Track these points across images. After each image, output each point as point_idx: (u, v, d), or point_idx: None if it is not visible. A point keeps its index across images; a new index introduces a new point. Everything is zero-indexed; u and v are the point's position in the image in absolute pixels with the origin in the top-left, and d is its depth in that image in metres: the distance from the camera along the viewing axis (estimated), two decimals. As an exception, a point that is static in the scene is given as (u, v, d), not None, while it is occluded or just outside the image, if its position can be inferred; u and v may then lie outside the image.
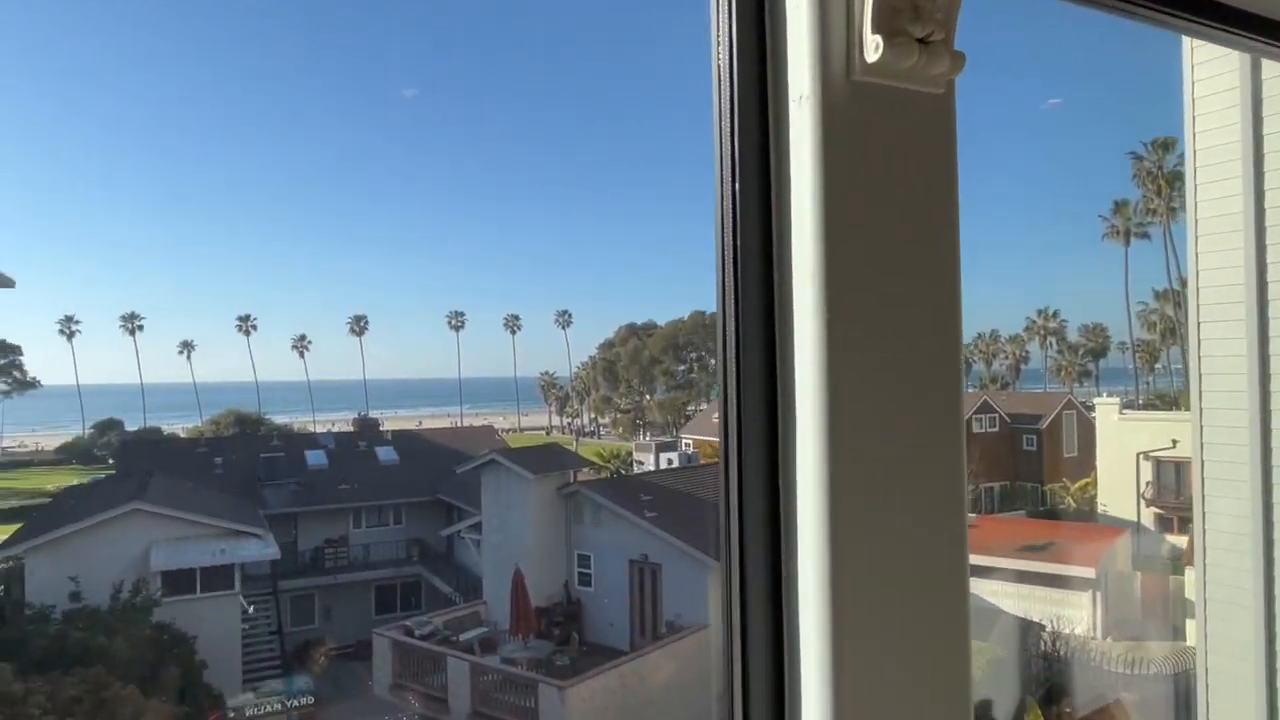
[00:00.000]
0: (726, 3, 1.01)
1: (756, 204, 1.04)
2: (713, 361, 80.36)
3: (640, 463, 33.08)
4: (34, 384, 72.19)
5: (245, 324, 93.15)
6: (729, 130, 1.04)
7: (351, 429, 37.94)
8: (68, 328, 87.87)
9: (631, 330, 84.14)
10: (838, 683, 1.00)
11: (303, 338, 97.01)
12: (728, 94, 1.04)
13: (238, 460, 29.92)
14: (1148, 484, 28.12)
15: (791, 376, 1.02)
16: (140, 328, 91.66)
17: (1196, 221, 7.27)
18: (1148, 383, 60.80)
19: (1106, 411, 31.10)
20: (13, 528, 27.13)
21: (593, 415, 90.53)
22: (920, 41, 0.96)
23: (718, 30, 1.04)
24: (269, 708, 17.86)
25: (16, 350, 69.24)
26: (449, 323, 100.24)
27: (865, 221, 1.02)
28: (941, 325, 1.04)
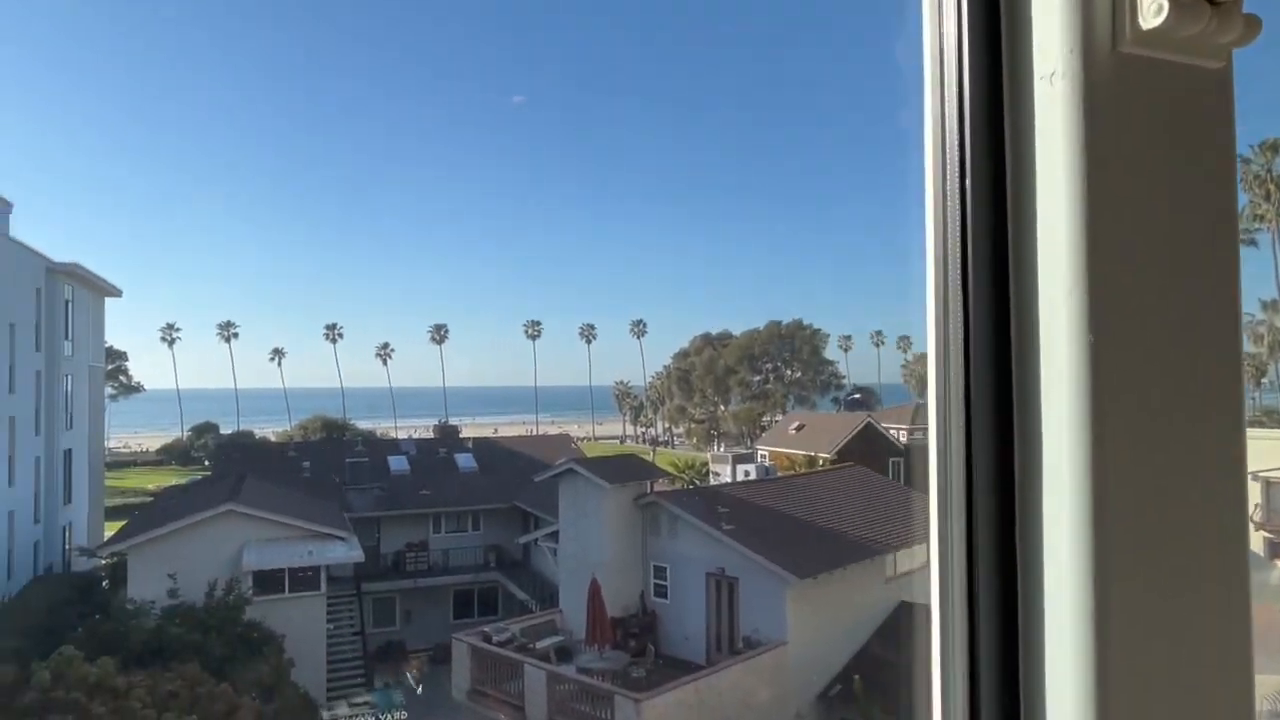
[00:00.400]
0: None
1: (988, 205, 0.88)
2: (789, 372, 79.56)
3: (716, 474, 32.76)
4: (138, 388, 76.26)
5: (332, 332, 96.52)
6: (954, 120, 0.89)
7: (432, 435, 38.72)
8: (169, 335, 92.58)
9: (706, 340, 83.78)
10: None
11: (386, 345, 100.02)
12: (954, 75, 0.88)
13: (325, 464, 30.84)
14: (1256, 506, 26.47)
15: (1035, 401, 0.86)
16: (235, 335, 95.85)
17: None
18: (1254, 399, 57.27)
19: None
20: (117, 525, 28.57)
21: (667, 425, 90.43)
22: (1211, 2, 0.78)
23: (934, 6, 0.89)
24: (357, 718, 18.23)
25: (123, 356, 73.25)
26: (526, 331, 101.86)
27: (1134, 220, 0.85)
28: (1221, 339, 0.86)
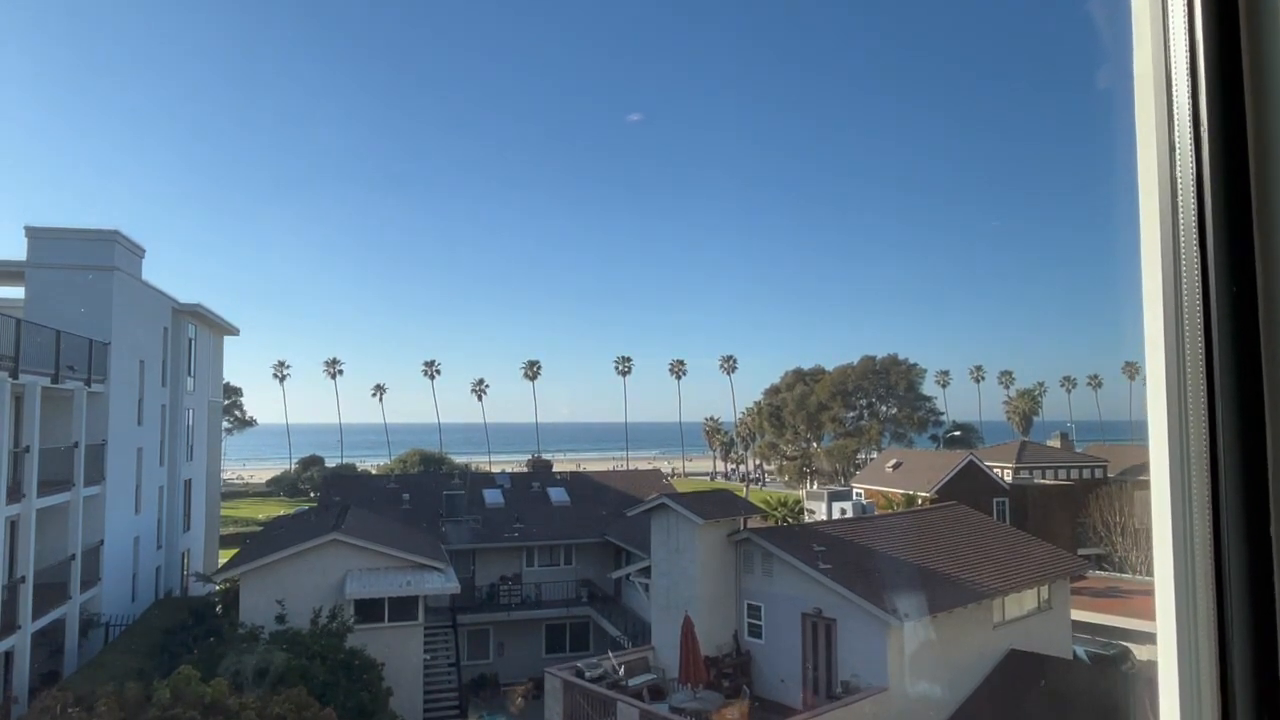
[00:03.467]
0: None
1: (1226, 238, 0.79)
2: (884, 408, 77.48)
3: (811, 512, 32.03)
4: (251, 422, 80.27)
5: (430, 369, 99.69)
6: (1187, 147, 0.79)
7: (525, 469, 39.29)
8: (280, 371, 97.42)
9: (799, 375, 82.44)
10: None
11: (480, 381, 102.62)
12: (1185, 95, 0.79)
13: (422, 496, 31.62)
14: None
15: None
16: (341, 372, 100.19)
17: None
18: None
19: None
20: (230, 552, 29.92)
21: (758, 461, 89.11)
22: None
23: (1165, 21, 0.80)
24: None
25: (239, 392, 77.34)
26: (617, 368, 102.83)
27: None
28: None
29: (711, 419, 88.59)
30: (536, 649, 27.57)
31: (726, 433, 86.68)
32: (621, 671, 19.02)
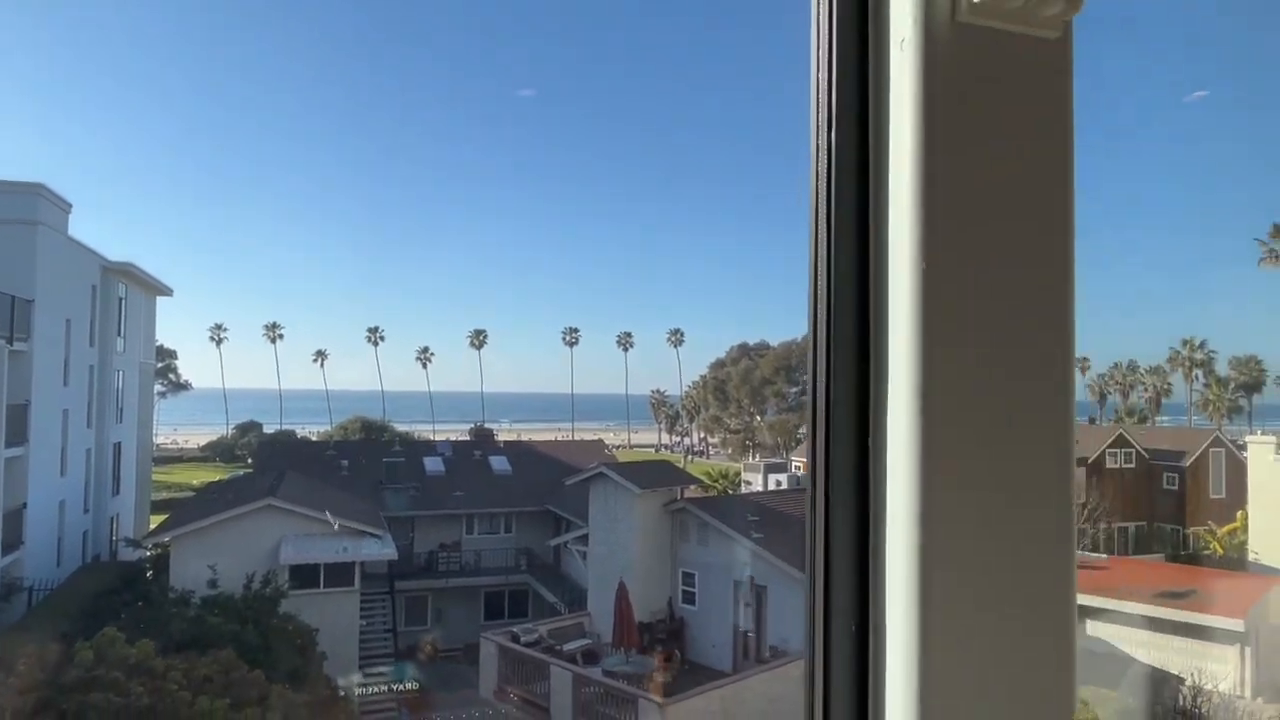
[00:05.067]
0: None
1: (853, 165, 0.96)
2: (826, 384, 78.40)
3: (748, 483, 32.66)
4: (186, 386, 78.22)
5: (374, 335, 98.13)
6: (826, 81, 0.97)
7: (468, 438, 39.20)
8: (217, 335, 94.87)
9: (744, 350, 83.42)
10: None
11: (426, 349, 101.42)
12: (825, 41, 0.97)
13: (362, 463, 31.39)
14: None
15: (885, 373, 0.94)
16: (281, 337, 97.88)
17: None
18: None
19: (1261, 451, 28.57)
20: (163, 518, 29.34)
21: (702, 434, 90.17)
22: None
23: None
24: (374, 688, 18.80)
25: (173, 355, 75.25)
26: (564, 339, 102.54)
27: (968, 183, 0.92)
28: (1052, 319, 0.90)
29: (658, 392, 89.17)
30: (475, 615, 27.74)
31: (672, 406, 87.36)
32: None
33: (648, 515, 19.56)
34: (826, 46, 0.97)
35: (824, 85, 0.97)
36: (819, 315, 0.98)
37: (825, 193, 0.97)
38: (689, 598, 19.61)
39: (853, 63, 0.96)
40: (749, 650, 18.15)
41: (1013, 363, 0.93)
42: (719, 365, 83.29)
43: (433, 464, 31.23)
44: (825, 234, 0.97)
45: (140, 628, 16.30)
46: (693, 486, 22.87)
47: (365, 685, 18.94)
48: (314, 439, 56.08)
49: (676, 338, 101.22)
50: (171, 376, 74.01)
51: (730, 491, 31.02)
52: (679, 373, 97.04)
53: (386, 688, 21.57)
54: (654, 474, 21.06)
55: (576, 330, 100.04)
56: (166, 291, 34.33)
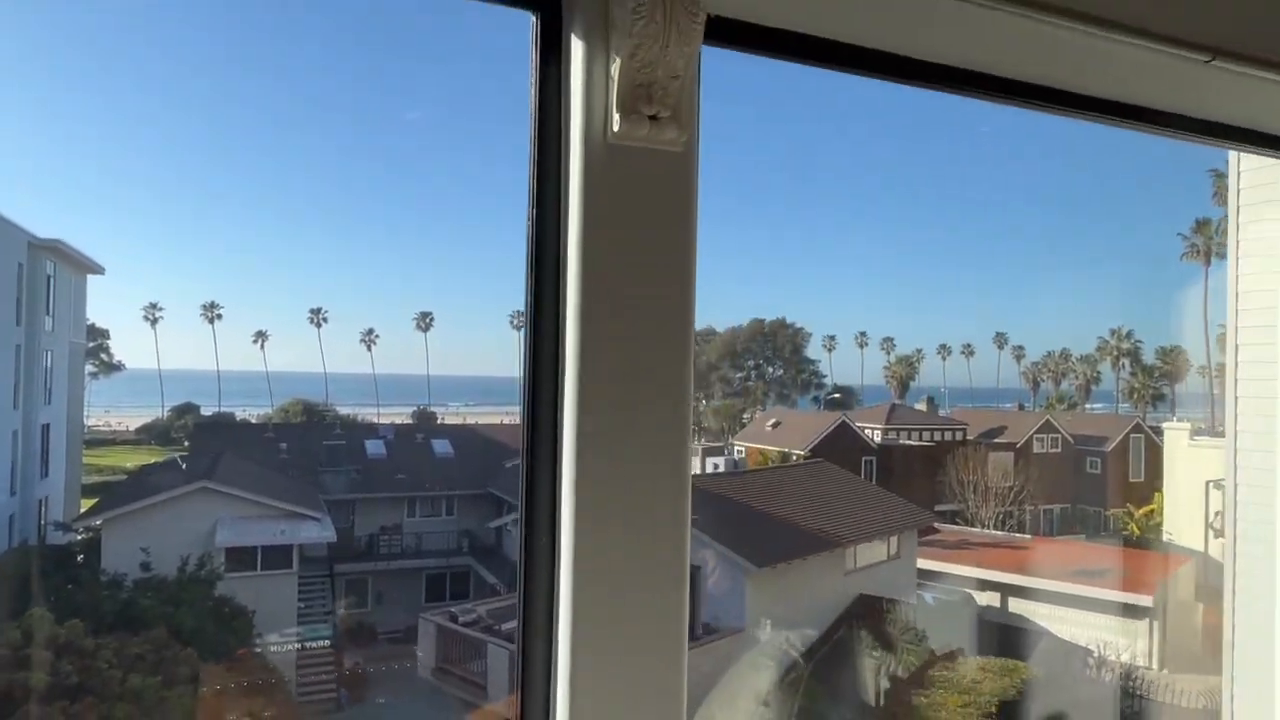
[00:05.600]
0: (536, 77, 1.36)
1: (553, 233, 1.38)
2: (770, 370, 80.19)
3: (687, 466, 32.99)
4: (119, 366, 75.92)
5: (317, 316, 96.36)
6: (534, 171, 1.38)
7: (411, 421, 39.02)
8: (152, 314, 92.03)
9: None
10: (573, 680, 1.37)
11: (370, 331, 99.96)
12: (534, 140, 1.37)
13: (302, 446, 31.08)
14: (1217, 514, 27.11)
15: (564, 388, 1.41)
16: (219, 316, 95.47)
17: (1238, 244, 7.24)
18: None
19: (1177, 437, 30.06)
20: (94, 501, 28.70)
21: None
22: (651, 118, 1.28)
23: (533, 90, 1.38)
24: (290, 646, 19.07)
25: (105, 334, 72.95)
26: (511, 322, 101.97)
27: (614, 252, 1.35)
28: (674, 343, 1.39)
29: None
30: (416, 597, 27.80)
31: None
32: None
33: (586, 497, 19.80)
34: (534, 144, 1.37)
35: (531, 172, 1.38)
36: (527, 338, 1.43)
37: (533, 249, 1.40)
38: (626, 578, 19.97)
39: (552, 159, 1.37)
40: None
41: (640, 376, 1.41)
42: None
43: (374, 447, 31.07)
44: (532, 279, 1.40)
45: (70, 610, 16.14)
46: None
47: (302, 665, 19.03)
48: (253, 421, 55.05)
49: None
50: (104, 357, 71.63)
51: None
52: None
53: (325, 667, 21.65)
54: (593, 457, 21.32)
55: (523, 313, 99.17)
56: (98, 269, 33.39)
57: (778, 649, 18.10)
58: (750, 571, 17.45)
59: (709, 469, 29.06)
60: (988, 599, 29.61)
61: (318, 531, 21.84)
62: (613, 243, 1.35)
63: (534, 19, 1.37)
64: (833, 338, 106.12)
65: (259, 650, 17.88)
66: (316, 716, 20.39)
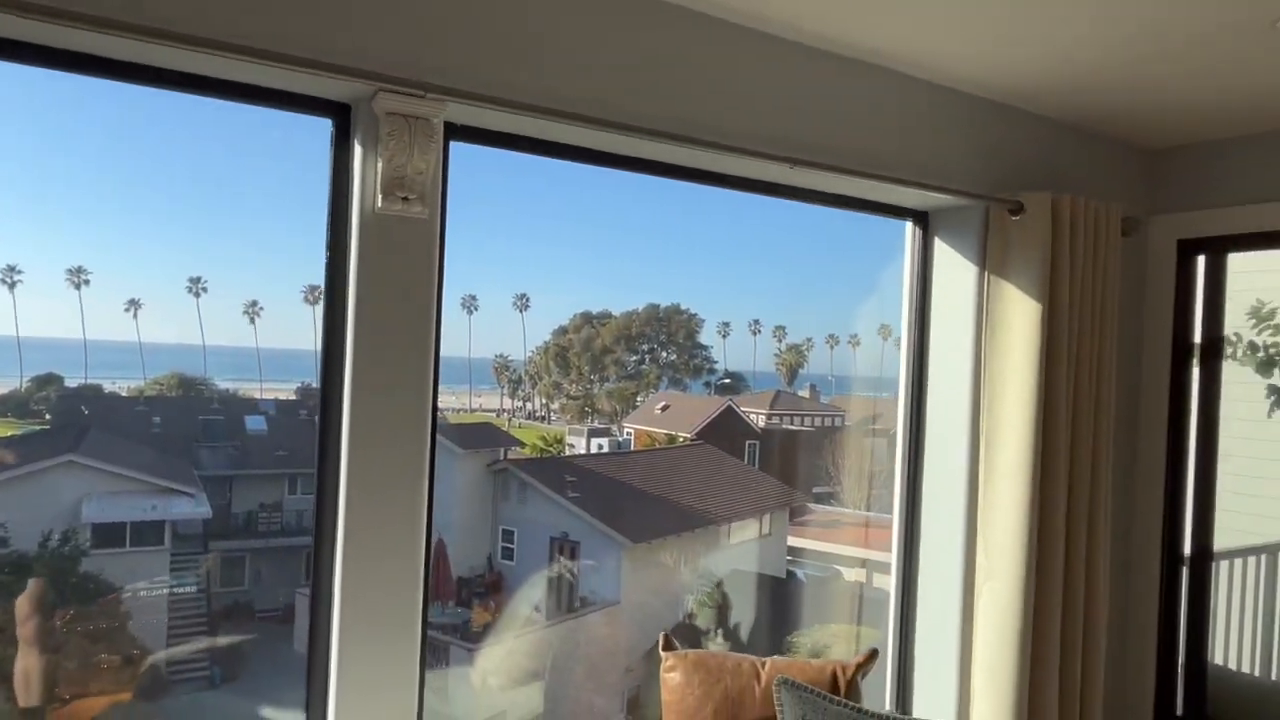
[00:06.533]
0: (332, 164, 1.94)
1: (342, 269, 2.00)
2: (664, 354, 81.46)
3: (572, 446, 33.63)
4: (-27, 333, 70.40)
5: (196, 285, 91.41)
6: (329, 225, 1.98)
7: (295, 398, 38.06)
8: (9, 277, 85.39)
9: (586, 318, 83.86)
10: (342, 651, 1.91)
11: (254, 303, 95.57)
12: (330, 205, 1.99)
13: (177, 421, 29.93)
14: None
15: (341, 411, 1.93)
16: (87, 282, 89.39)
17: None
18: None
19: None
20: (-56, 474, 26.83)
21: (544, 400, 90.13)
22: (403, 199, 1.88)
23: (330, 172, 1.98)
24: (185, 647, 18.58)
25: (-44, 298, 67.32)
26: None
27: (379, 283, 1.97)
28: (419, 354, 2.01)
29: (501, 356, 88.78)
30: (296, 575, 27.29)
31: (516, 371, 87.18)
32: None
33: (469, 475, 20.11)
34: (330, 207, 1.99)
35: (328, 225, 2.00)
36: (322, 347, 1.98)
37: (328, 280, 2.05)
38: (508, 554, 20.40)
39: (341, 219, 2.00)
40: (561, 600, 19.24)
41: (395, 366, 1.98)
42: (561, 332, 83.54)
43: (254, 423, 30.18)
44: (327, 299, 2.00)
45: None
46: (515, 448, 23.62)
47: (175, 644, 18.65)
48: (123, 395, 52.16)
49: (523, 302, 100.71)
50: (-45, 322, 66.39)
51: (553, 453, 31.84)
52: (524, 338, 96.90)
53: (199, 647, 21.20)
54: (478, 435, 21.58)
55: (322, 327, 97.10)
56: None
57: (646, 618, 18.93)
58: (626, 547, 18.14)
59: (594, 449, 29.71)
60: (855, 575, 31.42)
61: (192, 507, 21.28)
62: (377, 276, 1.95)
63: (331, 125, 2.00)
64: (727, 324, 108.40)
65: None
66: (187, 694, 19.97)
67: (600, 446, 30.27)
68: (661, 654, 2.25)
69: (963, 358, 2.98)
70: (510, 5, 2.06)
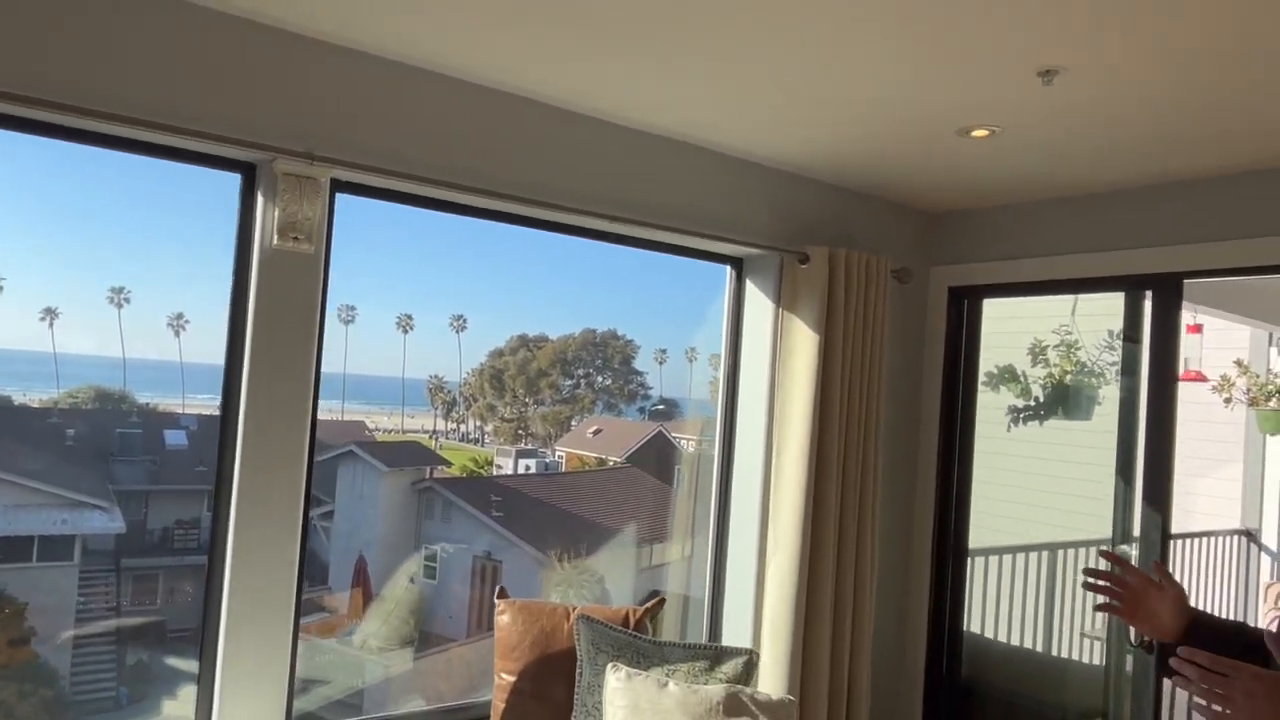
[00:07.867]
0: (240, 209, 2.41)
1: (244, 293, 2.44)
2: (599, 379, 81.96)
3: (499, 466, 33.71)
4: None
5: (118, 296, 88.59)
6: (236, 257, 2.44)
7: (218, 413, 37.31)
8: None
9: (523, 341, 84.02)
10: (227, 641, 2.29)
11: (179, 316, 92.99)
12: (238, 242, 2.45)
13: (92, 434, 29.13)
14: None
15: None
16: (0, 289, 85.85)
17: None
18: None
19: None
20: None
21: (478, 422, 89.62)
22: (294, 238, 2.34)
23: (238, 215, 2.44)
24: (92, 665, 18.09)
25: None
26: (339, 316, 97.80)
27: (271, 320, 2.41)
28: (300, 371, 2.46)
29: (436, 377, 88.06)
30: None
31: (450, 392, 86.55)
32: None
33: (394, 493, 20.11)
34: (237, 243, 2.45)
35: (235, 258, 2.46)
36: (227, 364, 2.40)
37: (233, 304, 2.46)
38: (430, 572, 20.43)
39: (245, 252, 2.46)
40: (481, 619, 19.36)
41: (283, 378, 2.40)
42: (498, 354, 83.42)
43: (174, 437, 29.49)
44: (230, 318, 2.44)
45: None
46: (442, 468, 23.71)
47: (81, 660, 18.20)
48: (34, 406, 50.26)
49: (460, 323, 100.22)
50: None
51: (481, 473, 31.85)
52: (459, 359, 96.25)
53: (106, 664, 20.64)
54: (404, 454, 21.60)
55: (354, 308, 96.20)
56: None
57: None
58: (546, 564, 18.40)
59: (520, 469, 29.92)
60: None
61: (104, 522, 20.80)
62: (272, 302, 2.39)
63: (240, 179, 2.46)
64: (664, 351, 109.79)
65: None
66: (90, 715, 19.41)
67: (528, 467, 30.41)
68: (496, 601, 2.78)
69: (762, 379, 3.60)
70: (386, 92, 2.60)
